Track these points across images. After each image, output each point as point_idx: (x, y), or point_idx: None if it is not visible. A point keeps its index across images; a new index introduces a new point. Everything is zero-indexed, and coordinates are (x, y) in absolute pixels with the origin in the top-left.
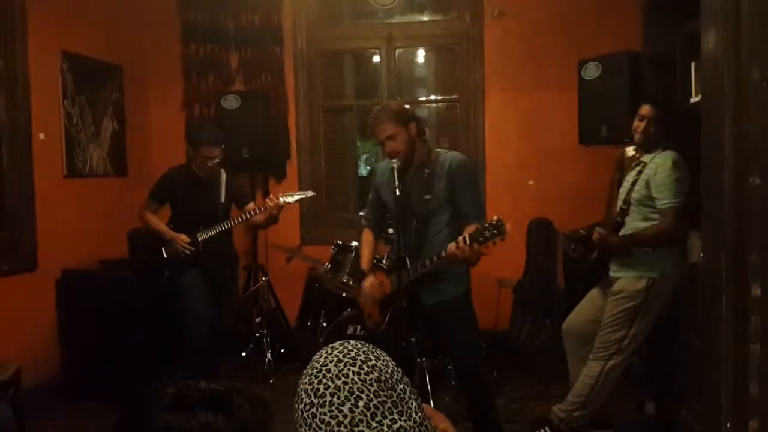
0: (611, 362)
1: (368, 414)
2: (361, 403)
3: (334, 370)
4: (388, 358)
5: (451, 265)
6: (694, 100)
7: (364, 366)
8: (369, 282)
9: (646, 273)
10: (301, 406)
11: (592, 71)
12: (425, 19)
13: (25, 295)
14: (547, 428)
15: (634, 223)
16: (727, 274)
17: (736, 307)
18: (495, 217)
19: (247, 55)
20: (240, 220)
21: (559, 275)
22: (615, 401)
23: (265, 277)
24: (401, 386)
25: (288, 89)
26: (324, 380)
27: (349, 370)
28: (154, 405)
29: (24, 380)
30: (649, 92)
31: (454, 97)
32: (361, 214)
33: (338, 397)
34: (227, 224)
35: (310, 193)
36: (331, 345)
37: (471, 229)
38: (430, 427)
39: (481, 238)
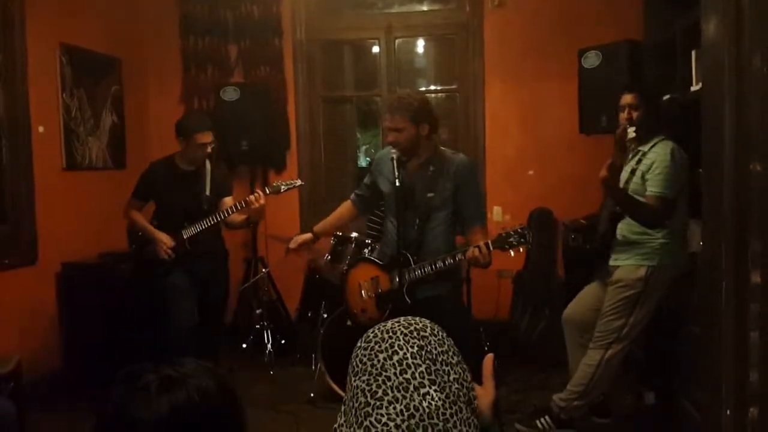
0: (611, 351)
1: (398, 369)
2: (395, 357)
3: (390, 325)
4: (446, 340)
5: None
6: (694, 88)
7: (417, 333)
8: (302, 237)
9: (645, 261)
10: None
11: (592, 60)
12: (425, 9)
13: (25, 289)
14: (547, 417)
15: None
16: (727, 262)
17: (736, 294)
18: (520, 226)
19: (246, 47)
20: (218, 218)
21: (559, 265)
22: (614, 391)
23: (265, 268)
24: (447, 368)
25: (287, 80)
26: (390, 339)
27: (397, 328)
28: (122, 396)
29: (25, 373)
30: (638, 81)
31: (453, 87)
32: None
33: (380, 347)
34: (211, 220)
35: (298, 182)
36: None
37: (477, 233)
38: (465, 410)
39: (506, 245)
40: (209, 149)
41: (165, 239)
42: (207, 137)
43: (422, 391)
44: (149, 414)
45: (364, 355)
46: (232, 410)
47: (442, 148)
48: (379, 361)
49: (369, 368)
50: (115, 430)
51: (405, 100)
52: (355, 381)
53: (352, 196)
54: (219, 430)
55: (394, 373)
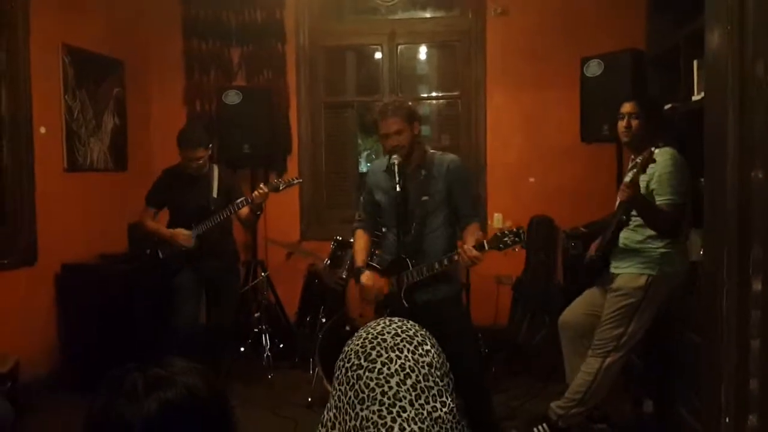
0: (609, 359)
1: (413, 394)
2: (409, 382)
3: (390, 342)
4: (440, 350)
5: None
6: (696, 98)
7: (420, 348)
8: (367, 276)
9: (646, 270)
10: (348, 365)
11: (594, 69)
12: (427, 15)
13: (24, 289)
14: (545, 425)
15: (639, 220)
16: (728, 269)
17: (738, 301)
18: (516, 226)
19: (248, 51)
20: (227, 213)
21: (558, 272)
22: (613, 399)
23: (265, 272)
24: (447, 380)
25: (289, 85)
26: (378, 348)
27: (404, 346)
28: (110, 399)
29: (23, 374)
30: (640, 90)
31: (455, 94)
32: (356, 217)
33: (389, 368)
34: (216, 218)
35: (296, 181)
36: (389, 318)
37: (474, 229)
38: (465, 428)
39: (501, 245)
40: (195, 164)
41: (180, 231)
42: (194, 153)
43: (435, 415)
44: (139, 413)
45: (371, 379)
46: (221, 409)
47: (432, 150)
48: (391, 388)
49: (380, 397)
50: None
51: (394, 104)
52: (362, 410)
53: (357, 224)
54: (210, 428)
55: (410, 401)
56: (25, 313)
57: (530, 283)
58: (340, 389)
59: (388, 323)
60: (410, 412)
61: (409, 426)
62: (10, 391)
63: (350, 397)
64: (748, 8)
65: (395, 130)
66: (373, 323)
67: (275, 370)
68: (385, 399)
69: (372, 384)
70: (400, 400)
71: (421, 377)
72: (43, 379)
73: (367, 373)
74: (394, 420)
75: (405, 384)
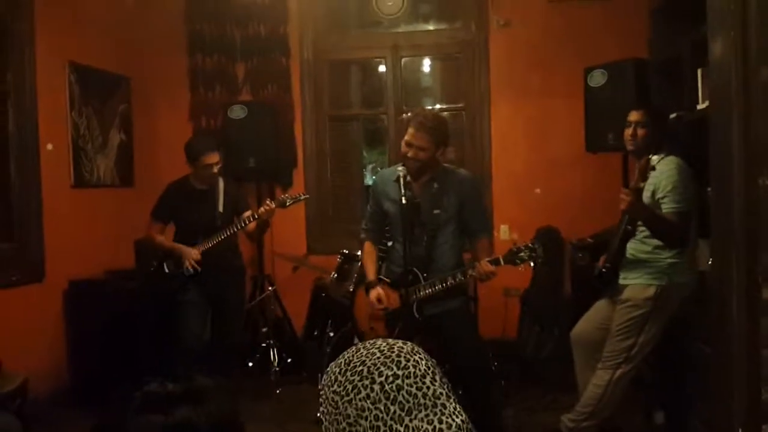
0: (620, 371)
1: (445, 388)
2: (437, 377)
3: (407, 348)
4: (432, 365)
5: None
6: (701, 106)
7: (426, 354)
8: (377, 293)
9: (655, 281)
10: (380, 379)
11: (598, 79)
12: (431, 28)
13: (32, 306)
14: None
15: (647, 230)
16: (738, 277)
17: (748, 310)
18: (531, 241)
19: (253, 66)
20: (235, 229)
21: (566, 283)
22: (624, 411)
23: (272, 286)
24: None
25: (294, 99)
26: (402, 353)
27: (418, 350)
28: (127, 411)
29: (31, 390)
30: (644, 99)
31: (460, 105)
32: (363, 226)
33: (419, 369)
34: (223, 234)
35: (303, 196)
36: (379, 339)
37: (485, 245)
38: None
39: (516, 260)
40: (215, 169)
41: (192, 251)
42: (212, 158)
43: (462, 417)
44: (149, 428)
45: (410, 385)
46: (232, 426)
47: (445, 164)
48: (428, 387)
49: (422, 400)
50: None
51: (434, 120)
52: (412, 421)
53: (364, 235)
54: None
55: (446, 395)
56: (33, 330)
57: (538, 294)
58: (376, 409)
59: (381, 341)
60: (450, 407)
61: (454, 421)
62: (19, 407)
63: (394, 412)
64: (751, 14)
65: (419, 145)
66: (368, 343)
67: (283, 385)
68: (427, 401)
69: (413, 390)
70: (439, 397)
71: (442, 374)
72: (52, 394)
73: (405, 381)
74: (440, 420)
75: (436, 381)
